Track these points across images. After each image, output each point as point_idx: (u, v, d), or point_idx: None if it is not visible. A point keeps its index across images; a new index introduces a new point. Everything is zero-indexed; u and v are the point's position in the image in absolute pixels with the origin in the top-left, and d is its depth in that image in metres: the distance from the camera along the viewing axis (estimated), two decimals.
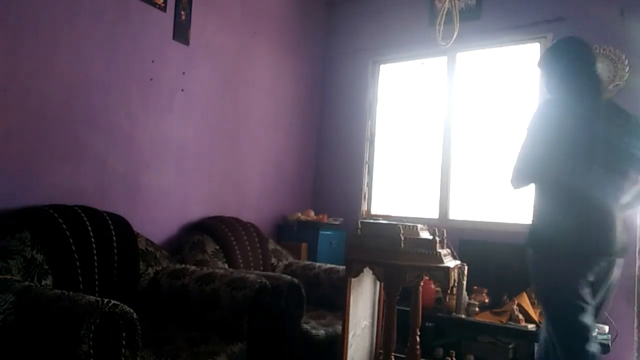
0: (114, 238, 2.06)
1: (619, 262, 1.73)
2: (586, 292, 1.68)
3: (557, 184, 1.72)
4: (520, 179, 1.79)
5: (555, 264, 1.69)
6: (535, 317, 2.54)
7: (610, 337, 2.47)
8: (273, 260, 3.02)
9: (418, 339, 2.05)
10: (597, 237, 1.67)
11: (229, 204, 3.10)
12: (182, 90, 2.72)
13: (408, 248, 1.66)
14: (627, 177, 1.72)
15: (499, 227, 3.21)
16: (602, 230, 1.67)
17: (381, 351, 1.82)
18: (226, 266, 2.61)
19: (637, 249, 2.78)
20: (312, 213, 3.55)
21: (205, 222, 2.81)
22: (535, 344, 2.69)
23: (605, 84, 1.79)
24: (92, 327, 1.25)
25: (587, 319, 1.68)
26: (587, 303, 1.68)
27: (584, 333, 1.67)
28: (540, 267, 1.76)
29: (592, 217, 1.67)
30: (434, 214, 3.50)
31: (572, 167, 1.67)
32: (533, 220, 1.83)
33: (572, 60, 1.78)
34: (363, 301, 2.06)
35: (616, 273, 1.74)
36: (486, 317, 2.63)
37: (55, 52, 2.07)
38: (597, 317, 1.80)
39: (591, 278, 1.69)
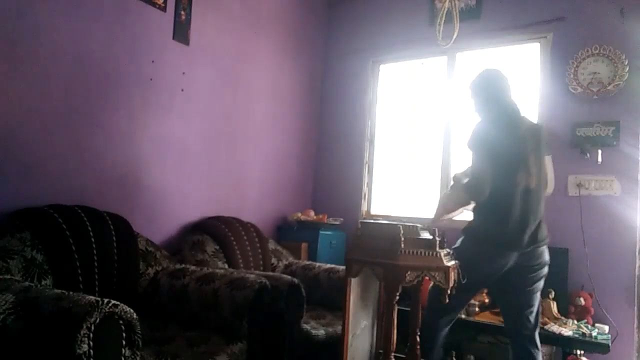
0: (114, 238, 2.06)
1: (545, 247, 2.09)
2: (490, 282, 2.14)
3: (497, 191, 1.99)
4: (483, 193, 2.02)
5: (486, 252, 2.03)
6: None
7: (610, 337, 2.46)
8: (273, 260, 3.02)
9: (418, 339, 2.05)
10: (527, 233, 2.00)
11: (229, 204, 3.10)
12: (182, 90, 2.72)
13: (408, 248, 1.66)
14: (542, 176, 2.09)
15: None
16: (531, 227, 2.01)
17: (381, 351, 1.82)
18: (226, 266, 2.61)
19: (637, 249, 2.78)
20: (312, 213, 3.55)
21: (205, 222, 2.81)
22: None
23: (520, 107, 2.16)
24: (92, 327, 1.25)
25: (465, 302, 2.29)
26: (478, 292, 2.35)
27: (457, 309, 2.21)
28: (471, 250, 2.06)
29: (525, 218, 2.00)
30: (434, 214, 3.49)
31: (509, 176, 1.99)
32: (473, 216, 2.17)
33: (499, 89, 2.13)
34: (363, 301, 2.06)
35: (547, 253, 2.09)
36: (486, 317, 2.63)
37: (55, 52, 2.07)
38: (538, 291, 2.11)
39: (508, 266, 2.02)
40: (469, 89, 2.23)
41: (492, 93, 2.13)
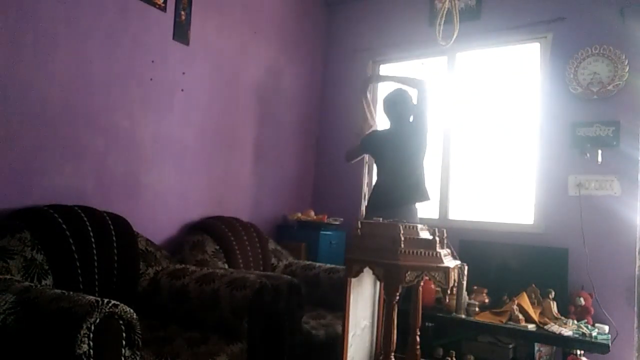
0: (114, 238, 2.06)
1: (411, 207, 2.77)
2: None
3: (379, 170, 2.95)
4: (349, 159, 3.19)
5: (374, 210, 2.67)
6: (535, 317, 2.54)
7: (610, 337, 2.46)
8: (273, 260, 3.02)
9: (418, 339, 2.05)
10: (397, 194, 2.76)
11: (229, 204, 3.10)
12: (182, 90, 2.72)
13: (408, 248, 1.66)
14: (418, 157, 2.84)
15: (499, 227, 3.21)
16: (392, 190, 2.78)
17: (381, 351, 1.82)
18: (226, 266, 2.61)
19: (637, 249, 2.78)
20: (312, 213, 3.55)
21: (205, 222, 2.81)
22: (535, 344, 2.70)
23: (404, 117, 2.90)
24: (92, 327, 1.25)
25: None
26: None
27: None
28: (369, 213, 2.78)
29: (393, 185, 2.79)
30: (434, 214, 3.50)
31: (384, 160, 2.89)
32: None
33: (392, 109, 2.93)
34: (363, 301, 2.06)
35: (408, 213, 2.73)
36: (486, 317, 2.63)
37: (55, 52, 2.07)
38: None
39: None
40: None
41: (387, 111, 2.96)
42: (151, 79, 2.53)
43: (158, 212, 2.60)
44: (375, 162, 3.00)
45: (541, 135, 3.13)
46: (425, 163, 2.89)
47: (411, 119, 2.89)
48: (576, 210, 2.91)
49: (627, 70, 2.85)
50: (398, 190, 2.77)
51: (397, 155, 2.82)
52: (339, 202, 3.82)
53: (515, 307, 2.56)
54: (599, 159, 2.85)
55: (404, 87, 2.97)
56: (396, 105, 2.90)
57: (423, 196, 2.82)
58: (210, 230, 2.72)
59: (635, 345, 2.75)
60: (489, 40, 3.38)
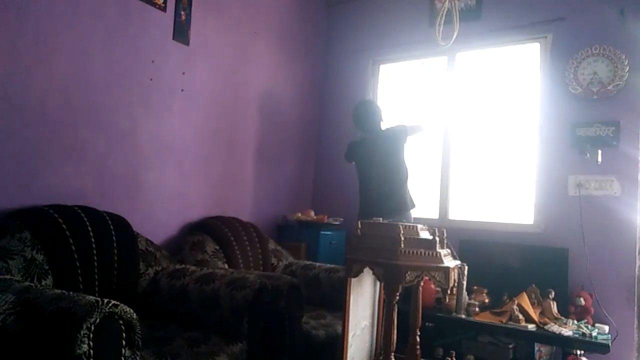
0: (114, 238, 2.06)
1: (406, 214, 2.90)
2: None
3: (361, 180, 3.06)
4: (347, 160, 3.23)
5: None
6: (535, 317, 2.54)
7: (610, 337, 2.46)
8: (273, 260, 3.02)
9: (418, 339, 2.05)
10: (384, 203, 2.87)
11: (229, 204, 3.10)
12: (182, 90, 2.72)
13: (408, 248, 1.66)
14: (399, 163, 2.97)
15: (499, 227, 3.21)
16: (385, 200, 2.89)
17: (381, 351, 1.82)
18: (226, 266, 2.61)
19: (637, 249, 2.78)
20: (312, 213, 3.55)
21: (205, 222, 2.81)
22: (535, 344, 2.70)
23: (377, 125, 3.06)
24: (92, 327, 1.25)
25: None
26: None
27: None
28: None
29: (378, 193, 2.92)
30: (434, 214, 3.50)
31: (366, 170, 3.03)
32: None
33: (361, 119, 3.10)
34: (363, 301, 2.06)
35: (412, 219, 2.93)
36: (486, 317, 2.63)
37: (55, 52, 2.07)
38: None
39: None
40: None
41: (357, 122, 3.13)
42: (151, 79, 2.53)
43: (158, 212, 2.60)
44: (360, 173, 3.07)
45: (541, 135, 3.13)
46: (408, 171, 3.01)
47: (382, 126, 3.08)
48: (576, 210, 2.91)
49: (627, 70, 2.85)
50: (392, 199, 2.87)
51: (383, 164, 2.94)
52: (339, 202, 3.82)
53: (515, 307, 2.56)
54: (599, 159, 2.85)
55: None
56: (369, 114, 3.06)
57: (413, 203, 2.96)
58: (210, 230, 2.72)
59: (635, 345, 2.75)
60: (489, 40, 3.38)
